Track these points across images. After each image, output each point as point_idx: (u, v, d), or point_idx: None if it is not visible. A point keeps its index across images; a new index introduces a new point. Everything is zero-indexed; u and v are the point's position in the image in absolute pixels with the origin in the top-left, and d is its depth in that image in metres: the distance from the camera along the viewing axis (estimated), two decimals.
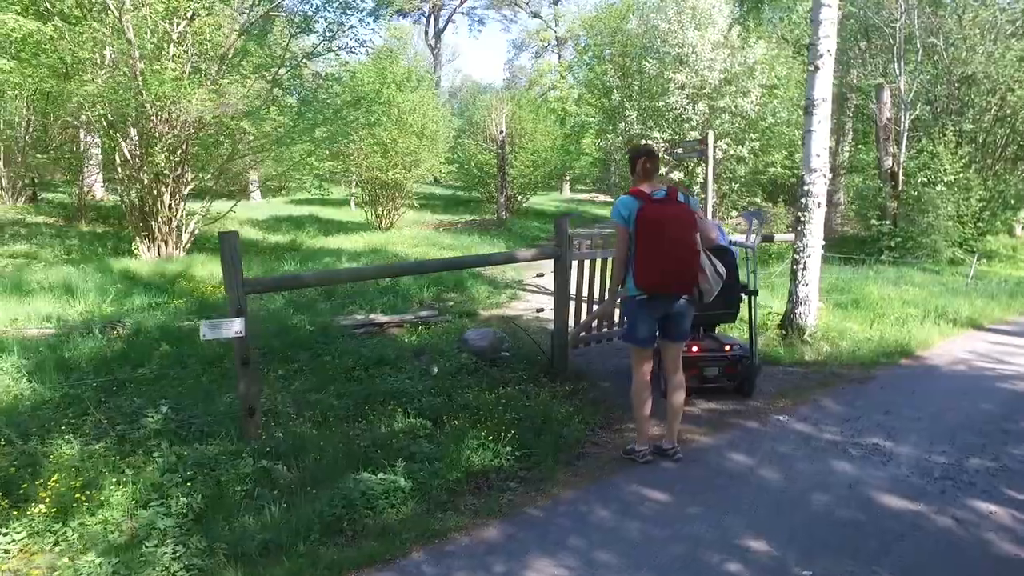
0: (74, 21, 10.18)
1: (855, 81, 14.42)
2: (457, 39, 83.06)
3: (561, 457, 3.93)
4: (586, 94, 21.05)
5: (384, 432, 4.10)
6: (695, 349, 4.94)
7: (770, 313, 7.36)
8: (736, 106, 12.90)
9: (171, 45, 11.20)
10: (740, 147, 13.13)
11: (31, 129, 16.99)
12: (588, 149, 20.75)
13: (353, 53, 13.62)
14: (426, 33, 35.34)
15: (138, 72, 10.57)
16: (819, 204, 6.76)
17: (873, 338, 6.76)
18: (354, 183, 18.55)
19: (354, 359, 5.51)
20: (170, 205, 11.90)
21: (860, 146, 16.14)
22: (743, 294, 4.92)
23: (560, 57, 24.60)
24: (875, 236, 12.62)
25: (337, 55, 13.46)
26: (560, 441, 4.09)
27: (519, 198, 23.42)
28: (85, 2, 10.37)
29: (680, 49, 12.85)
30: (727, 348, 4.96)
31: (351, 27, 12.89)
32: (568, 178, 28.32)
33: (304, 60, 13.07)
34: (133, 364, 5.30)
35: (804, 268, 6.80)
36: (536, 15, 27.88)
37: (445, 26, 35.13)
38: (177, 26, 11.21)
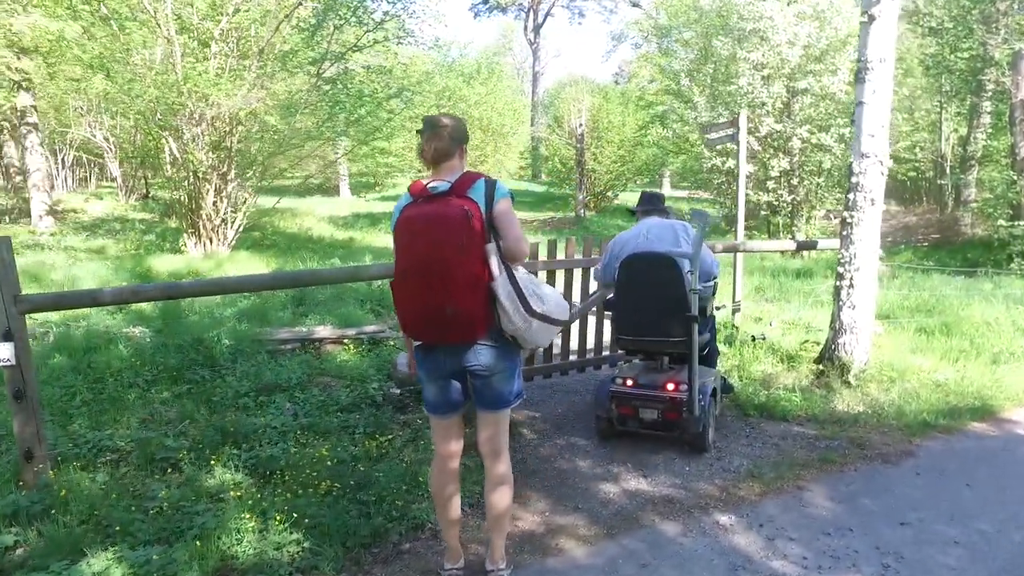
0: (117, 19, 10.35)
1: (992, 54, 11.63)
2: (563, 34, 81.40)
3: (368, 555, 2.84)
4: (664, 81, 19.16)
5: (174, 493, 3.21)
6: (629, 383, 3.66)
7: (806, 342, 5.70)
8: (821, 87, 10.76)
9: (213, 42, 11.14)
10: (824, 134, 10.93)
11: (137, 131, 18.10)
12: (657, 140, 18.89)
13: (402, 43, 12.97)
14: (525, 28, 34.44)
15: (179, 70, 10.56)
16: (872, 201, 5.07)
17: (947, 383, 4.96)
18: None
19: (253, 382, 4.72)
20: (214, 202, 11.91)
21: (990, 131, 13.14)
22: (692, 318, 3.53)
23: (660, 47, 22.79)
24: (1004, 240, 10.03)
25: (386, 47, 12.92)
26: (389, 526, 3.00)
27: (608, 194, 21.99)
28: (125, 3, 10.50)
29: (756, 23, 10.91)
30: (671, 386, 3.62)
31: (395, 16, 12.29)
32: (667, 174, 26.33)
33: (349, 52, 12.64)
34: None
35: (851, 286, 5.14)
36: (635, 4, 26.08)
37: (544, 20, 34.06)
38: (219, 23, 11.13)
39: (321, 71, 12.36)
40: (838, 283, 5.26)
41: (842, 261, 5.24)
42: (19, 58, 8.90)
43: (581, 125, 18.26)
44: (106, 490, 3.25)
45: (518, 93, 39.34)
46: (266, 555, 2.77)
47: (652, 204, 4.12)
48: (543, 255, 4.90)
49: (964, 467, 3.63)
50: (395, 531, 2.99)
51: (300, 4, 11.39)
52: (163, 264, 10.18)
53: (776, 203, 11.84)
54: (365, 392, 4.59)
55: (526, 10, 33.98)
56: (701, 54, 13.86)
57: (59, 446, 3.75)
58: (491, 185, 2.34)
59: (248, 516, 2.91)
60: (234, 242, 12.45)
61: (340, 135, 12.36)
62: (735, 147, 6.29)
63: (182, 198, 12.09)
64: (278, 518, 2.92)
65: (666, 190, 28.92)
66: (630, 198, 26.47)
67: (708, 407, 3.66)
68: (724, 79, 11.94)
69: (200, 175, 11.49)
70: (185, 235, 12.12)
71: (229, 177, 12.07)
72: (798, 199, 11.59)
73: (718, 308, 5.68)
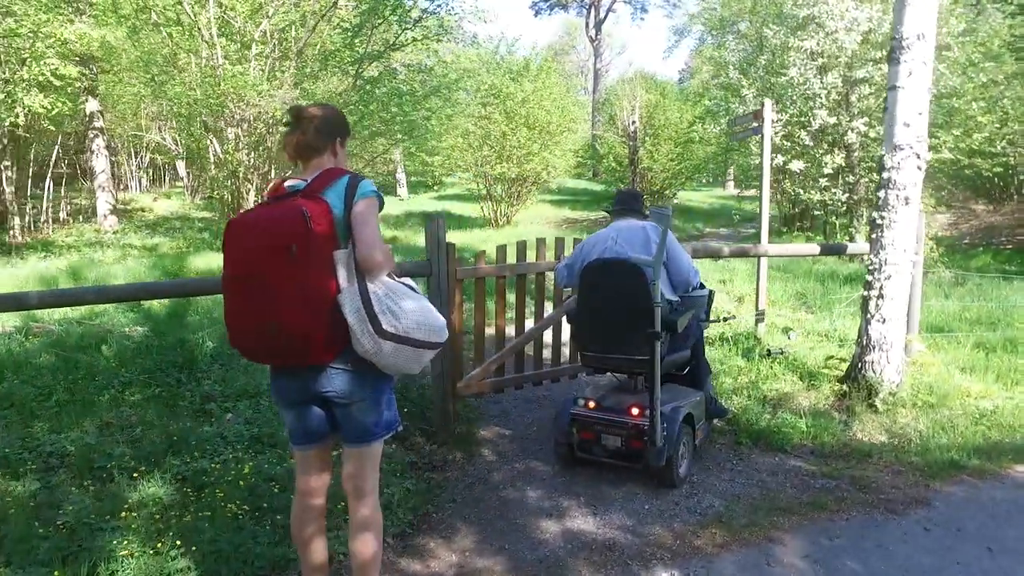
0: (165, 25, 10.67)
1: None
2: (627, 30, 79.49)
3: None
4: (716, 74, 18.15)
5: (87, 506, 3.06)
6: (591, 405, 3.26)
7: (832, 358, 5.07)
8: (883, 75, 9.74)
9: (253, 44, 11.32)
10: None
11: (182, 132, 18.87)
12: (704, 136, 17.91)
13: (441, 41, 12.80)
14: (587, 25, 33.68)
15: (220, 72, 10.78)
16: (907, 200, 4.44)
17: (994, 413, 4.26)
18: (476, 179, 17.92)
19: (223, 387, 4.59)
20: (255, 201, 12.11)
21: None
22: (654, 335, 3.08)
23: (715, 40, 21.69)
24: None
25: (425, 44, 12.79)
26: (293, 557, 2.72)
27: (665, 193, 21.18)
28: (169, 10, 10.79)
29: (811, 9, 10.00)
30: (635, 411, 3.18)
31: (433, 13, 12.14)
32: (732, 173, 25.15)
33: (388, 51, 12.59)
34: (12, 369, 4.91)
35: (880, 296, 4.52)
36: None
37: (606, 16, 33.16)
38: (259, 25, 11.30)
39: (360, 70, 12.37)
40: (866, 293, 4.63)
41: (871, 268, 4.61)
42: (66, 65, 9.25)
43: (634, 122, 17.60)
44: (21, 501, 3.13)
45: (578, 91, 38.74)
46: None
47: (627, 204, 3.67)
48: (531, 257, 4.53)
49: (989, 524, 3.00)
50: (298, 564, 2.71)
51: (335, 4, 11.39)
52: (201, 262, 10.40)
53: (829, 202, 10.90)
54: None
55: (587, 6, 33.31)
56: (755, 45, 12.97)
57: (9, 451, 3.70)
58: (353, 183, 2.02)
59: (140, 538, 2.71)
60: None
61: (376, 135, 12.32)
62: (759, 140, 5.68)
63: (226, 197, 12.37)
64: (176, 542, 2.71)
65: (730, 190, 27.68)
66: (690, 197, 25.47)
67: (678, 436, 3.19)
68: (775, 70, 11.08)
69: (240, 175, 11.71)
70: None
71: (270, 177, 12.24)
72: (856, 198, 10.61)
73: (725, 319, 5.14)
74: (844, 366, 4.95)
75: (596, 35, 33.47)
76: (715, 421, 4.08)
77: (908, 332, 5.08)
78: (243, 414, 4.16)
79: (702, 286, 4.06)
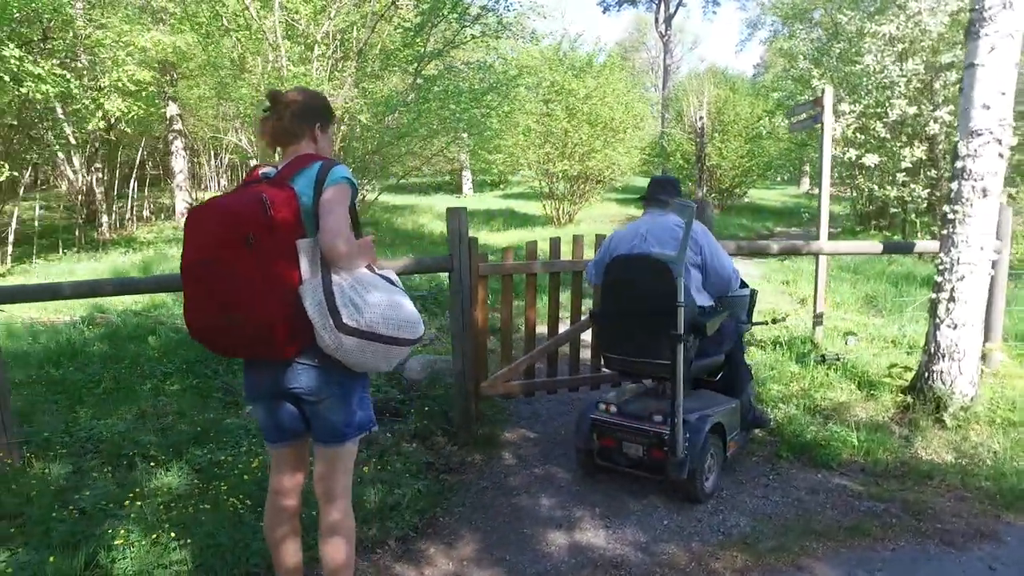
0: (236, 30, 11.08)
1: None
2: (699, 24, 76.76)
3: None
4: (787, 65, 17.20)
5: (102, 493, 3.11)
6: (612, 410, 3.06)
7: (895, 366, 4.63)
8: None
9: (316, 46, 11.59)
10: None
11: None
12: (771, 130, 16.96)
13: (499, 37, 12.71)
14: (656, 20, 32.79)
15: (284, 73, 11.10)
16: (984, 192, 4.00)
17: None
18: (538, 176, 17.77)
19: None
20: None
21: None
22: (676, 337, 2.83)
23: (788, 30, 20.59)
24: None
25: (484, 42, 12.74)
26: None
27: (735, 191, 20.39)
28: (238, 16, 11.19)
29: None
30: (659, 418, 2.96)
31: (491, 10, 12.06)
32: (807, 170, 23.96)
33: (447, 49, 12.60)
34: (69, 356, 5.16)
35: (952, 299, 4.09)
36: None
37: (676, 11, 32.16)
38: (321, 26, 11.56)
39: (419, 69, 12.45)
40: (934, 295, 4.19)
41: (941, 268, 4.17)
42: (142, 70, 9.75)
43: (702, 118, 16.98)
44: (50, 483, 3.23)
45: (647, 88, 37.91)
46: (150, 573, 2.55)
47: (661, 194, 3.35)
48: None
49: None
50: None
51: (394, 3, 11.50)
52: None
53: (908, 199, 10.06)
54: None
55: (657, 2, 32.47)
56: (830, 33, 12.18)
57: (51, 435, 3.85)
58: (325, 169, 1.91)
59: (143, 528, 2.73)
60: None
61: (434, 134, 12.36)
62: (818, 129, 5.26)
63: None
64: (176, 533, 2.71)
65: (805, 187, 26.37)
66: (761, 196, 24.41)
67: (703, 448, 2.94)
68: (849, 59, 10.32)
69: None
70: None
71: None
72: (939, 194, 9.75)
73: (775, 321, 4.78)
74: (909, 375, 4.51)
75: (666, 30, 32.58)
76: (756, 431, 3.78)
77: (988, 340, 4.58)
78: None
79: (744, 285, 3.77)
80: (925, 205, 10.23)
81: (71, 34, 9.91)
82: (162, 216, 17.33)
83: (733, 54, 79.82)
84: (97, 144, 14.17)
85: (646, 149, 21.46)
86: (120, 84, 9.44)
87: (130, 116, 10.06)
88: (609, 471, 3.27)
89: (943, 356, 4.12)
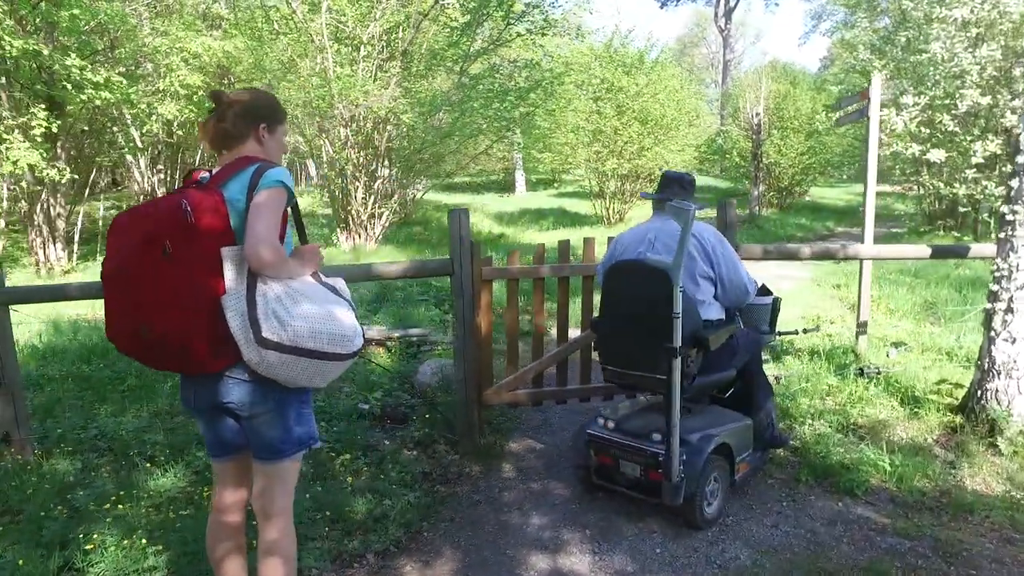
0: (287, 33, 11.33)
1: None
2: (761, 17, 73.69)
3: None
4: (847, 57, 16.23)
5: (95, 492, 3.14)
6: (610, 426, 2.88)
7: (944, 382, 4.23)
8: None
9: (362, 47, 11.71)
10: None
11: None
12: (827, 127, 16.03)
13: (544, 35, 12.51)
14: (715, 14, 31.75)
15: (331, 74, 11.26)
16: None
17: None
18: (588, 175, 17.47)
19: None
20: (363, 199, 12.56)
21: None
22: (671, 351, 2.61)
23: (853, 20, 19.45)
24: None
25: (530, 39, 12.57)
26: None
27: (795, 189, 19.53)
28: (287, 19, 11.42)
29: None
30: (657, 436, 2.75)
31: (537, 5, 11.88)
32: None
33: (492, 47, 12.51)
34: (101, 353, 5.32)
35: (1009, 310, 3.72)
36: None
37: (736, 4, 31.01)
38: (367, 28, 11.67)
39: (464, 68, 12.42)
40: (990, 306, 3.80)
41: (997, 275, 3.77)
42: (192, 75, 10.08)
43: (758, 114, 16.30)
44: (55, 480, 3.28)
45: (707, 84, 36.86)
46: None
47: (672, 192, 3.10)
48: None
49: None
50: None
51: (437, 3, 11.49)
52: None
53: (980, 196, 9.27)
54: (364, 400, 4.26)
55: None
56: (896, 20, 11.41)
57: (66, 431, 3.94)
58: (260, 172, 1.81)
59: (123, 531, 2.72)
60: (381, 236, 13.01)
61: (476, 133, 12.30)
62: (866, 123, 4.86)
63: (336, 194, 12.93)
64: (153, 539, 2.69)
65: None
66: (823, 194, 23.29)
67: (703, 471, 2.71)
68: (915, 48, 9.59)
69: (349, 173, 12.17)
70: (338, 230, 12.96)
71: (377, 174, 12.63)
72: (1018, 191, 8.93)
73: (806, 331, 4.45)
74: (960, 393, 4.11)
75: (726, 25, 31.55)
76: (777, 451, 3.51)
77: None
78: None
79: (767, 293, 3.50)
80: (999, 203, 9.41)
81: (135, 43, 10.33)
82: None
83: (796, 47, 76.62)
84: (160, 147, 14.80)
85: (701, 147, 20.83)
86: (172, 89, 9.77)
87: (183, 119, 10.40)
88: (608, 490, 3.08)
89: (999, 373, 3.72)
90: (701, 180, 27.18)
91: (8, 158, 8.07)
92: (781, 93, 17.87)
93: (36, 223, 10.09)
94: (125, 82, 9.12)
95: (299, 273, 1.89)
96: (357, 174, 12.29)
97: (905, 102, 9.00)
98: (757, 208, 17.14)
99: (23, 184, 9.61)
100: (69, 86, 8.59)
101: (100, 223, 13.47)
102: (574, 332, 4.27)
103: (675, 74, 16.82)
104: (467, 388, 3.67)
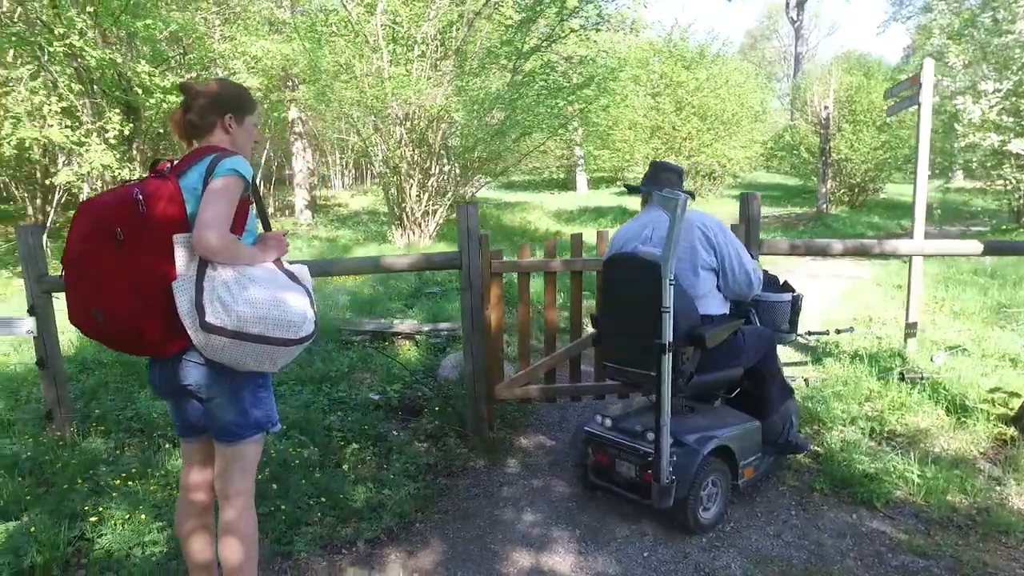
0: (345, 36, 11.66)
1: None
2: (837, 7, 69.30)
3: None
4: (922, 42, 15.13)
5: (115, 470, 3.31)
6: (607, 423, 2.81)
7: (997, 391, 3.91)
8: None
9: (416, 46, 11.90)
10: None
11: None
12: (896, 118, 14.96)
13: (599, 30, 12.33)
14: (787, 5, 30.42)
15: (386, 73, 11.51)
16: None
17: None
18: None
19: (300, 371, 4.78)
20: (417, 196, 12.76)
21: None
22: (660, 347, 2.50)
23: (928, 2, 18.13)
24: None
25: (584, 35, 12.43)
26: None
27: (869, 186, 18.53)
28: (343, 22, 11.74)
29: None
30: (651, 435, 2.65)
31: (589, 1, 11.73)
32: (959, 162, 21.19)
33: (545, 43, 12.43)
34: None
35: None
36: None
37: None
38: (420, 27, 11.84)
39: (517, 66, 12.40)
40: None
41: None
42: (251, 77, 10.53)
43: (826, 108, 15.54)
44: (85, 457, 3.48)
45: (779, 78, 35.45)
46: (131, 551, 2.66)
47: (661, 183, 2.98)
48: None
49: None
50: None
51: (489, 1, 11.52)
52: (361, 252, 11.21)
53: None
54: (382, 391, 4.31)
55: None
56: (981, 2, 10.57)
57: (105, 412, 4.18)
58: (216, 160, 1.85)
59: (129, 507, 2.85)
60: (435, 233, 13.18)
61: (528, 131, 12.25)
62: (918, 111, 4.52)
63: (391, 192, 13.19)
64: (143, 516, 2.81)
65: (959, 181, 23.39)
66: (901, 191, 21.94)
67: (696, 474, 2.59)
68: (1000, 30, 8.84)
69: (402, 172, 12.39)
70: (392, 227, 13.23)
71: (432, 172, 12.80)
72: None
73: (839, 332, 4.19)
74: (1015, 403, 3.78)
75: (798, 16, 30.22)
76: (796, 457, 3.32)
77: None
78: (291, 398, 4.25)
79: (788, 289, 3.32)
80: None
81: (203, 49, 10.89)
82: (287, 213, 18.69)
83: (876, 37, 72.25)
84: None
85: (768, 143, 20.07)
86: None
87: None
88: (605, 490, 2.99)
89: None
90: (769, 178, 26.22)
91: (87, 160, 8.67)
92: (853, 85, 16.97)
93: None
94: None
95: (259, 259, 1.91)
96: (411, 172, 12.50)
97: (984, 88, 8.34)
98: (825, 206, 16.36)
99: (100, 184, 10.29)
100: (140, 91, 9.12)
101: None
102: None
103: (738, 68, 16.26)
104: (475, 381, 3.65)
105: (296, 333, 1.84)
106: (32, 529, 2.68)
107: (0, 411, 4.19)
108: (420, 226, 12.82)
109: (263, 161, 16.71)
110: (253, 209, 2.00)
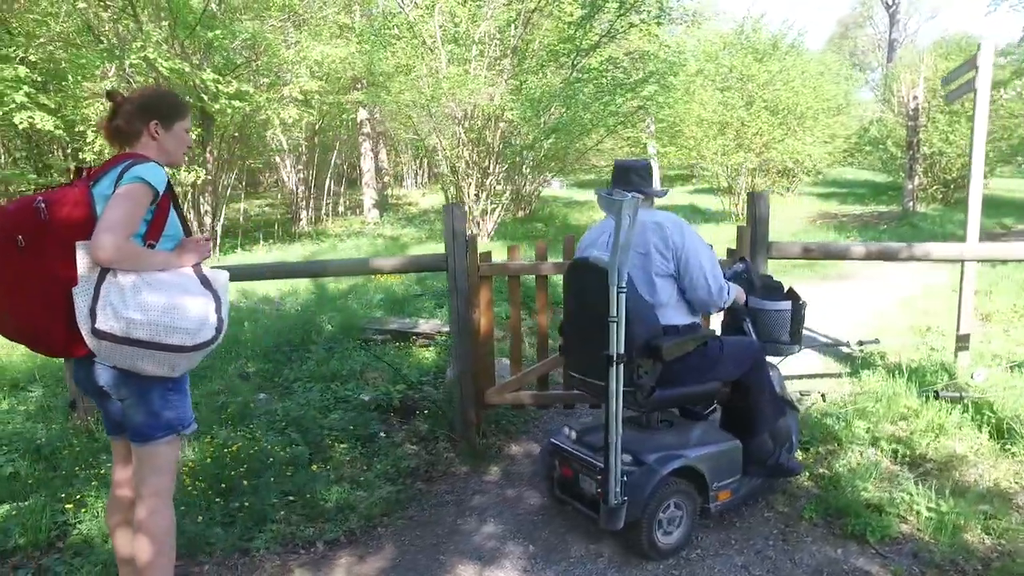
0: (406, 38, 11.91)
1: None
2: None
3: None
4: None
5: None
6: (572, 436, 2.70)
7: None
8: None
9: (473, 46, 11.96)
10: None
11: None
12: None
13: (660, 24, 11.94)
14: None
15: (443, 73, 11.65)
16: None
17: None
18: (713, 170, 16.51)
19: (317, 368, 4.88)
20: (476, 195, 12.83)
21: None
22: (607, 359, 2.34)
23: None
24: None
25: (646, 28, 12.07)
26: (212, 538, 2.73)
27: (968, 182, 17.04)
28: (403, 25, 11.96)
29: None
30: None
31: None
32: None
33: (608, 40, 12.17)
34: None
35: None
36: None
37: None
38: (478, 27, 11.89)
39: (575, 63, 12.23)
40: None
41: None
42: (310, 81, 10.92)
43: (916, 98, 14.37)
44: (92, 445, 3.68)
45: (873, 68, 33.23)
46: (106, 538, 2.78)
47: (626, 183, 2.77)
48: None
49: None
50: (215, 548, 2.70)
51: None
52: (419, 250, 11.38)
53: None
54: (386, 392, 4.32)
55: None
56: None
57: None
58: (127, 168, 1.88)
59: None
60: (494, 232, 13.21)
61: (587, 130, 12.03)
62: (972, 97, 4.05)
63: (451, 191, 13.33)
64: None
65: None
66: (1009, 186, 20.00)
67: (651, 496, 2.41)
68: None
69: (460, 171, 12.49)
70: None
71: (490, 171, 12.84)
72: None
73: (860, 344, 3.83)
74: None
75: (894, 1, 28.15)
76: (796, 480, 3.05)
77: None
78: (303, 395, 4.33)
79: (788, 296, 3.06)
80: None
81: (270, 55, 11.40)
82: (357, 211, 19.29)
83: (984, 18, 65.97)
84: (302, 148, 16.22)
85: (852, 137, 18.82)
86: (294, 95, 10.64)
87: (303, 122, 11.28)
88: (570, 505, 2.85)
89: None
90: (856, 174, 24.60)
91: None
92: (940, 72, 15.61)
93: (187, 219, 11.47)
94: (252, 91, 10.06)
95: (173, 264, 1.93)
96: (469, 172, 12.58)
97: None
98: (912, 204, 15.17)
99: (176, 186, 10.99)
100: (206, 97, 9.66)
101: (240, 220, 14.98)
102: None
103: (815, 59, 15.32)
104: (462, 386, 3.59)
105: (191, 339, 1.85)
106: (20, 511, 2.85)
107: (39, 398, 4.51)
108: (479, 225, 12.88)
109: (333, 161, 17.31)
110: (174, 214, 2.02)
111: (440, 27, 11.67)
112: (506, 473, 3.40)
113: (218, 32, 10.12)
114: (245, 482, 3.08)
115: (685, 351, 2.51)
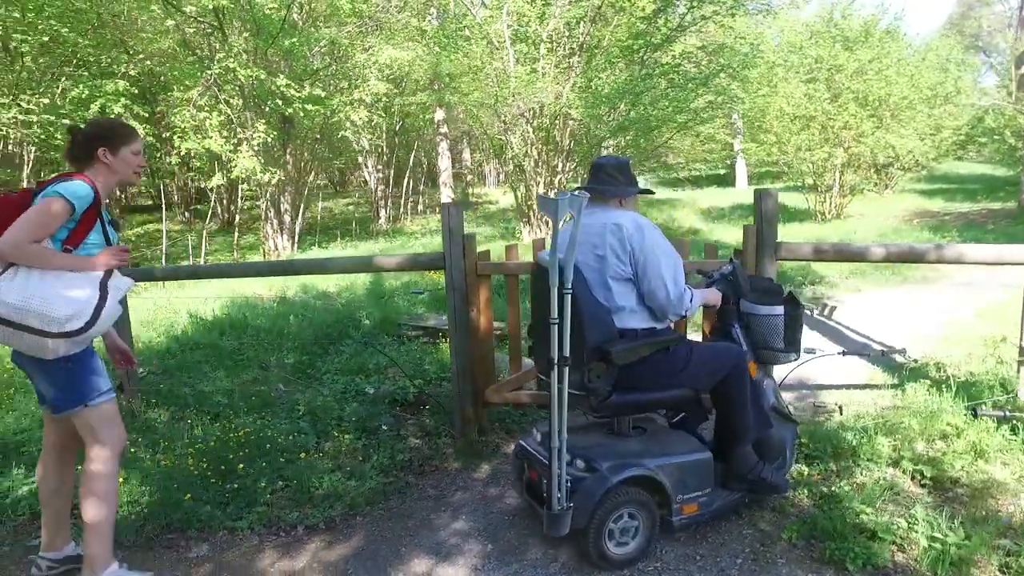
0: (477, 40, 12.09)
1: None
2: None
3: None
4: None
5: (146, 438, 3.76)
6: (539, 438, 2.70)
7: None
8: None
9: (542, 44, 11.95)
10: None
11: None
12: None
13: (734, 15, 11.42)
14: None
15: (511, 72, 11.73)
16: None
17: None
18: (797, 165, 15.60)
19: (348, 362, 5.07)
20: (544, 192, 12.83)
21: None
22: (550, 363, 2.28)
23: None
24: None
25: (718, 20, 11.61)
26: (204, 514, 2.91)
27: None
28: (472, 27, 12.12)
29: None
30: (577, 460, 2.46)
31: None
32: None
33: (679, 34, 11.78)
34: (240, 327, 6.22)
35: None
36: None
37: None
38: (547, 26, 11.86)
39: (646, 59, 11.94)
40: None
41: None
42: (379, 83, 11.31)
43: None
44: (133, 425, 3.99)
45: (1000, 51, 30.18)
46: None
47: (601, 182, 2.65)
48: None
49: None
50: (213, 530, 2.88)
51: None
52: (484, 248, 11.54)
53: None
54: (403, 387, 4.43)
55: None
56: None
57: (172, 387, 4.76)
58: (53, 183, 2.20)
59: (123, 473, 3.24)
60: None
61: (656, 126, 11.72)
62: None
63: (520, 189, 13.39)
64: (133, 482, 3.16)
65: None
66: None
67: (598, 504, 2.33)
68: None
69: (528, 170, 12.52)
70: (520, 223, 13.44)
71: (557, 169, 12.80)
72: None
73: (884, 353, 3.51)
74: None
75: None
76: (788, 497, 2.86)
77: None
78: (330, 386, 4.51)
79: (795, 302, 2.88)
80: None
81: (343, 60, 11.94)
82: (435, 209, 19.77)
83: None
84: (383, 148, 16.83)
85: (962, 128, 17.23)
86: (363, 98, 11.05)
87: (373, 123, 11.69)
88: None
89: None
90: (965, 168, 22.52)
91: (236, 164, 9.94)
92: None
93: (268, 217, 12.22)
94: (324, 95, 10.55)
95: (82, 266, 2.19)
96: (537, 170, 12.59)
97: None
98: None
99: (253, 185, 11.73)
100: (280, 102, 10.23)
101: (318, 217, 15.69)
102: None
103: (921, 44, 14.14)
104: (460, 383, 3.62)
105: (57, 327, 2.08)
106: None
107: None
108: (547, 223, 12.88)
109: (412, 160, 17.82)
110: (99, 227, 2.27)
111: (508, 27, 11.73)
112: (495, 471, 3.39)
113: (295, 40, 10.69)
114: (240, 466, 3.24)
115: (639, 356, 2.41)
